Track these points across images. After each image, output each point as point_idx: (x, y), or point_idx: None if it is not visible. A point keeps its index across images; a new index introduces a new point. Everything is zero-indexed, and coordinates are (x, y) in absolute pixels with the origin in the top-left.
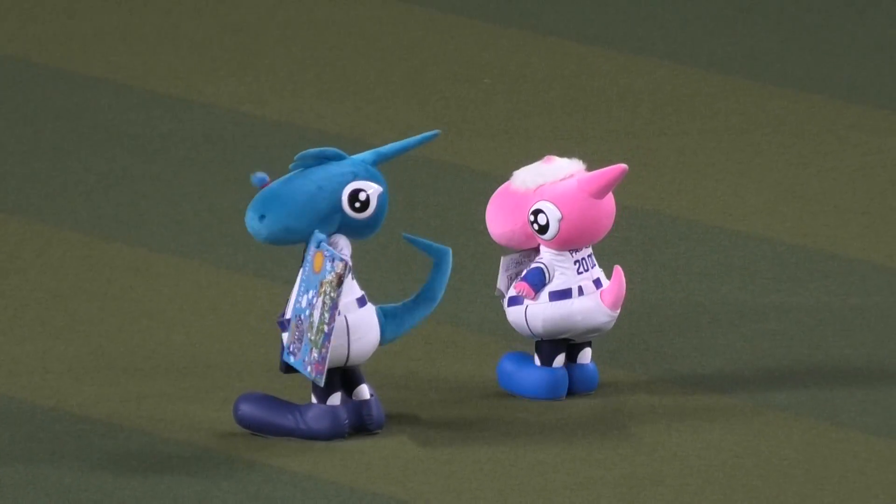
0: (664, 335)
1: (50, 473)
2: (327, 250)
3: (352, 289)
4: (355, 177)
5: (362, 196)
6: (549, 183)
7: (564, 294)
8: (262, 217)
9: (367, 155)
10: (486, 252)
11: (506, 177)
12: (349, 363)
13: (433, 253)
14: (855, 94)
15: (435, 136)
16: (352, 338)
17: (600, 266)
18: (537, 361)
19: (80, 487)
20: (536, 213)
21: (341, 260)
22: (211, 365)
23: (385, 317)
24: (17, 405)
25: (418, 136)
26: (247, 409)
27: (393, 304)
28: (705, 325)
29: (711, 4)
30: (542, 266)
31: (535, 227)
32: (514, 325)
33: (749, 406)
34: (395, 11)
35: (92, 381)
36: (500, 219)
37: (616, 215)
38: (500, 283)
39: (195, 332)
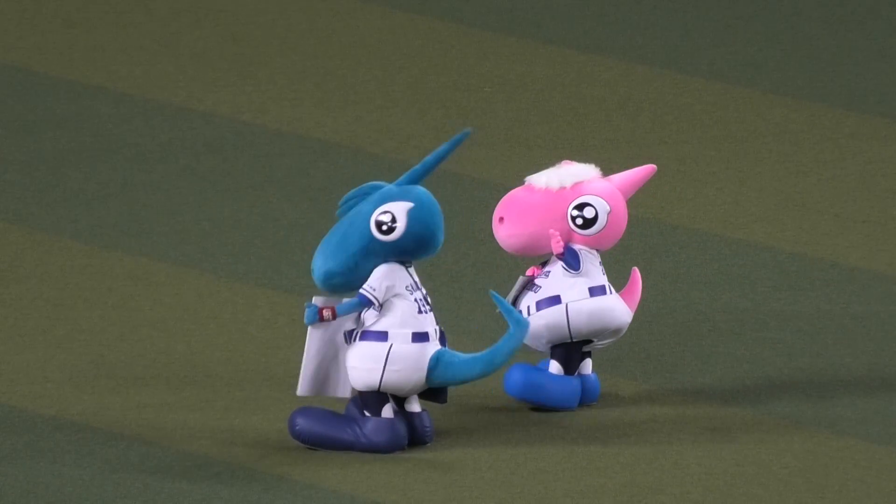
0: (665, 344)
1: (51, 482)
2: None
3: (413, 322)
4: (380, 203)
5: (386, 218)
6: (586, 181)
7: (601, 290)
8: (313, 270)
9: (400, 178)
10: (487, 261)
11: (507, 185)
12: (382, 389)
13: (510, 319)
14: (855, 103)
15: (466, 136)
16: (388, 367)
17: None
18: (554, 369)
19: (81, 496)
20: (582, 206)
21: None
22: (211, 374)
23: (439, 361)
24: (18, 414)
25: (448, 142)
26: (304, 423)
27: (458, 353)
28: (706, 333)
29: (712, 13)
30: (576, 248)
31: (579, 221)
32: (546, 327)
33: (749, 414)
34: (395, 21)
35: (92, 390)
36: (527, 219)
37: None
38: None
39: (196, 342)
